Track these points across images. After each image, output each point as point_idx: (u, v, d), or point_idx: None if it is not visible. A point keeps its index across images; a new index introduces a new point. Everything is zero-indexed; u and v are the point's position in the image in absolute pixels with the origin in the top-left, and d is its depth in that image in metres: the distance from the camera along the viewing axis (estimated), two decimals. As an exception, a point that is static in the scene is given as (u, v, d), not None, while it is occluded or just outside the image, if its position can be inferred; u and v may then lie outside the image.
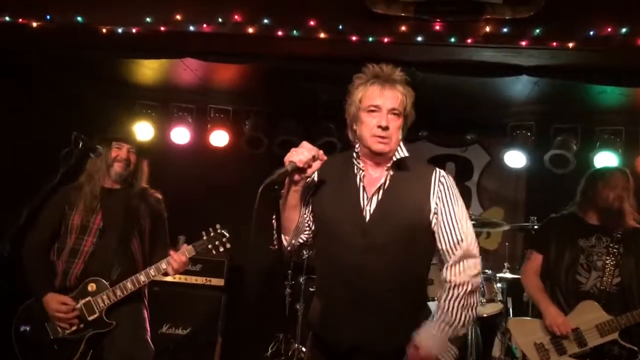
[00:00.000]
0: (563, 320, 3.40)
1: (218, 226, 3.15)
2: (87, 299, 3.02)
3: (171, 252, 3.12)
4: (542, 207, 5.08)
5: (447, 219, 2.16)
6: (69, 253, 3.09)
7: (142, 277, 3.05)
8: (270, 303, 5.25)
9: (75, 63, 4.70)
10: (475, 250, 2.17)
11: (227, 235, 3.13)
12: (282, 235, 2.19)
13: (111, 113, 5.50)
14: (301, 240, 2.28)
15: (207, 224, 5.64)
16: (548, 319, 3.44)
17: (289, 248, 2.24)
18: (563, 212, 3.70)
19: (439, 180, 2.20)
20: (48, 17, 3.95)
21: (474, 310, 2.12)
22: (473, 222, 4.63)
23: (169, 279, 5.15)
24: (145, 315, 3.24)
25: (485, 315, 4.63)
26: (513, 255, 5.37)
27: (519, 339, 3.58)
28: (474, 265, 2.15)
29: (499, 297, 4.64)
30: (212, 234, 3.12)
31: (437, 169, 2.24)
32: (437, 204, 2.17)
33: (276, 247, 2.28)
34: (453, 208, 2.17)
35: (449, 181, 2.22)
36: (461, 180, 5.92)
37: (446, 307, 2.10)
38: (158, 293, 5.14)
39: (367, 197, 2.18)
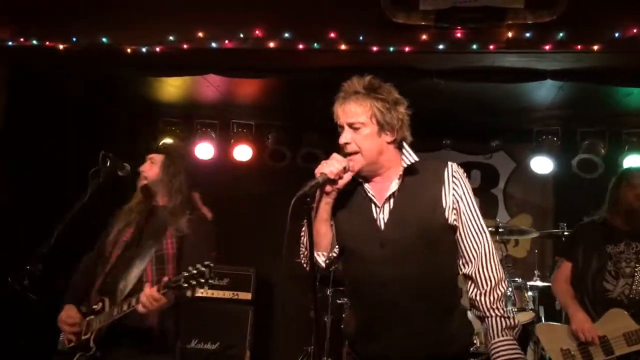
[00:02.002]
0: (589, 326, 3.34)
1: (207, 263, 2.58)
2: (91, 317, 2.86)
3: (146, 286, 2.71)
4: (571, 213, 4.99)
5: (469, 214, 2.14)
6: (101, 267, 2.98)
7: (124, 306, 2.74)
8: (298, 316, 5.24)
9: (101, 83, 4.79)
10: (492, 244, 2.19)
11: (208, 274, 2.55)
12: (315, 251, 2.14)
13: (136, 131, 5.60)
14: (335, 254, 2.24)
15: (233, 238, 5.72)
16: (575, 324, 3.39)
17: (327, 261, 2.20)
18: (593, 217, 3.62)
19: (453, 175, 2.16)
20: (74, 39, 4.04)
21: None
22: (501, 230, 4.64)
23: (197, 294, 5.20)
24: None
25: (516, 325, 4.55)
26: (543, 262, 5.27)
27: (546, 344, 3.54)
28: (499, 261, 2.17)
29: (530, 305, 4.56)
30: (192, 271, 2.57)
31: (449, 163, 2.19)
32: (454, 199, 2.13)
33: (304, 261, 2.26)
34: (473, 201, 2.16)
35: (462, 174, 2.19)
36: (487, 187, 5.87)
37: (500, 312, 2.10)
38: (185, 308, 5.17)
39: (379, 207, 2.16)
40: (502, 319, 2.08)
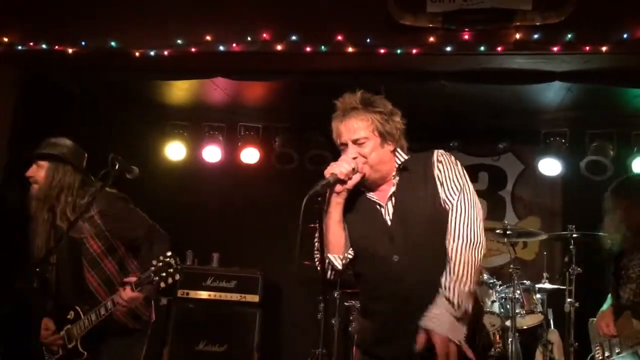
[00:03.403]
0: (606, 322, 3.48)
1: (169, 254, 2.76)
2: (68, 327, 2.92)
3: (120, 289, 2.80)
4: (580, 215, 4.97)
5: (449, 174, 2.18)
6: (47, 286, 2.99)
7: (102, 310, 2.84)
8: (306, 319, 5.24)
9: (109, 86, 4.82)
10: (475, 196, 2.16)
11: (175, 264, 2.74)
12: (330, 253, 2.20)
13: (144, 134, 5.63)
14: (350, 256, 2.27)
15: (241, 241, 5.73)
16: (597, 319, 3.60)
17: (343, 262, 2.23)
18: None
19: (438, 159, 2.22)
20: (83, 43, 4.07)
21: (475, 268, 2.04)
22: (509, 232, 4.62)
23: (203, 296, 5.25)
24: (140, 353, 3.05)
25: (525, 327, 4.53)
26: (552, 265, 5.24)
27: (592, 334, 3.77)
28: (476, 216, 2.11)
29: (539, 308, 4.55)
30: (159, 264, 2.74)
31: (435, 150, 2.25)
32: (439, 173, 2.18)
33: (319, 266, 2.27)
34: (453, 167, 2.19)
35: (448, 155, 2.24)
36: (495, 189, 5.84)
37: (450, 275, 2.03)
38: (193, 310, 5.20)
39: (383, 207, 2.23)
40: (447, 291, 2.00)
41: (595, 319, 3.88)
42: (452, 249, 2.06)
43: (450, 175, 2.18)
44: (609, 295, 3.69)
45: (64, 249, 2.91)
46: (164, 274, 2.73)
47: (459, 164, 2.24)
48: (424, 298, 2.08)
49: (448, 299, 2.00)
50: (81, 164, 3.07)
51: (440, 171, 2.19)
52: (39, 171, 2.99)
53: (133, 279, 2.80)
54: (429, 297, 2.07)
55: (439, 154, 2.23)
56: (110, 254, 2.97)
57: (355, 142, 2.19)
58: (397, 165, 2.26)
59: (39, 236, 2.96)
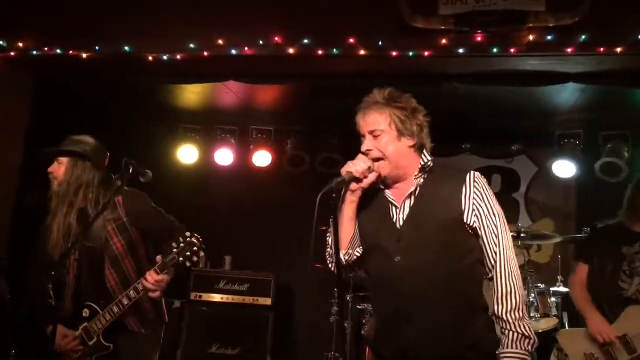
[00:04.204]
0: (606, 327, 3.43)
1: (188, 234, 2.84)
2: (84, 325, 2.95)
3: (147, 274, 2.85)
4: (595, 218, 4.90)
5: (490, 219, 2.17)
6: (59, 285, 2.94)
7: (125, 300, 2.88)
8: (318, 322, 5.24)
9: (123, 90, 4.86)
10: (514, 254, 2.19)
11: (198, 243, 2.81)
12: (340, 250, 2.22)
13: (157, 138, 5.67)
14: (357, 254, 2.31)
15: (253, 244, 5.75)
16: (591, 328, 3.50)
17: (347, 258, 2.29)
18: (609, 222, 3.72)
19: (474, 181, 2.20)
20: (97, 48, 4.11)
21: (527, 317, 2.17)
22: (523, 235, 4.58)
23: (216, 299, 5.27)
24: (155, 355, 3.09)
25: (540, 331, 4.48)
26: (566, 268, 5.17)
27: (569, 350, 3.63)
28: (518, 275, 2.15)
29: (554, 311, 4.50)
30: (181, 245, 2.81)
31: (472, 171, 2.24)
32: (475, 203, 2.16)
33: (330, 261, 2.31)
34: (494, 208, 2.19)
35: (484, 182, 2.23)
36: (508, 192, 5.82)
37: (513, 325, 2.09)
38: (206, 313, 5.22)
39: (398, 206, 2.23)
40: (516, 334, 2.08)
41: (569, 330, 3.83)
42: (503, 289, 2.11)
43: (490, 215, 2.17)
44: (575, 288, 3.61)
45: (85, 246, 2.94)
46: (188, 254, 2.80)
47: (491, 191, 2.24)
48: (422, 300, 2.12)
49: (524, 335, 2.07)
50: (102, 161, 3.10)
51: (477, 199, 2.17)
52: (59, 168, 3.03)
53: (159, 259, 2.84)
54: (426, 299, 2.12)
55: (477, 176, 2.22)
56: (131, 254, 3.01)
57: (371, 133, 2.23)
58: (420, 164, 2.25)
59: (55, 233, 2.98)
